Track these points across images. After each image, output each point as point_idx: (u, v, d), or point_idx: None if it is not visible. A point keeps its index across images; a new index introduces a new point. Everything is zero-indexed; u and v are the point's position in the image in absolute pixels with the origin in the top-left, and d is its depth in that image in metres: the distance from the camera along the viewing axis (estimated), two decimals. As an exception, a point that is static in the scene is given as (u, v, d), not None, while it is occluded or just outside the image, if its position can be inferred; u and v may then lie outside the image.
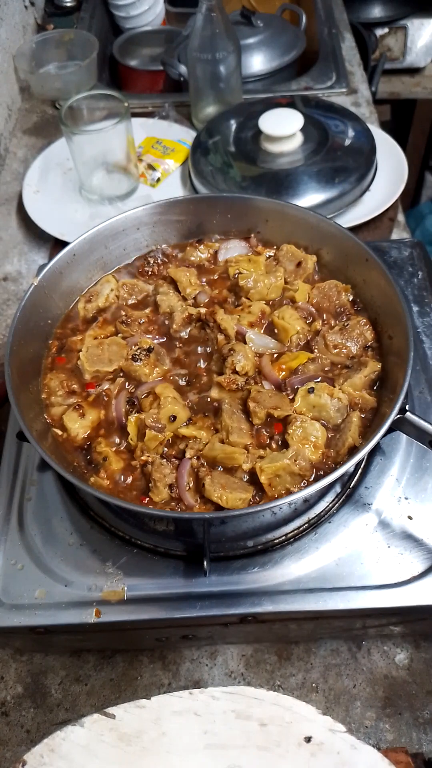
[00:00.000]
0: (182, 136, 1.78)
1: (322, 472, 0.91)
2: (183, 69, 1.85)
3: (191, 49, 1.65)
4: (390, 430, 0.87)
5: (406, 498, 0.99)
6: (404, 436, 1.01)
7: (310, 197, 1.46)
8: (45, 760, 0.71)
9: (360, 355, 1.04)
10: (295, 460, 0.90)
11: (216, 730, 0.72)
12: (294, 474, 0.90)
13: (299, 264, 1.15)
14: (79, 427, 0.98)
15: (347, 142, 1.56)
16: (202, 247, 1.22)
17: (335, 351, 1.04)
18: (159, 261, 1.22)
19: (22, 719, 0.98)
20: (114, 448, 0.97)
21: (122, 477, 0.94)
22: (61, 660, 1.03)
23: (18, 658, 1.03)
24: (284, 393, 1.00)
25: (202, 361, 1.07)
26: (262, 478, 0.89)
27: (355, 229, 1.50)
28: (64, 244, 1.18)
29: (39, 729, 0.97)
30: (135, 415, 0.97)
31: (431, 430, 0.87)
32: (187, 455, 0.93)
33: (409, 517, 0.97)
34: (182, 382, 1.04)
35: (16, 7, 2.06)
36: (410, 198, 3.18)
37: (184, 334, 1.10)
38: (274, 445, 0.95)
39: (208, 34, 1.60)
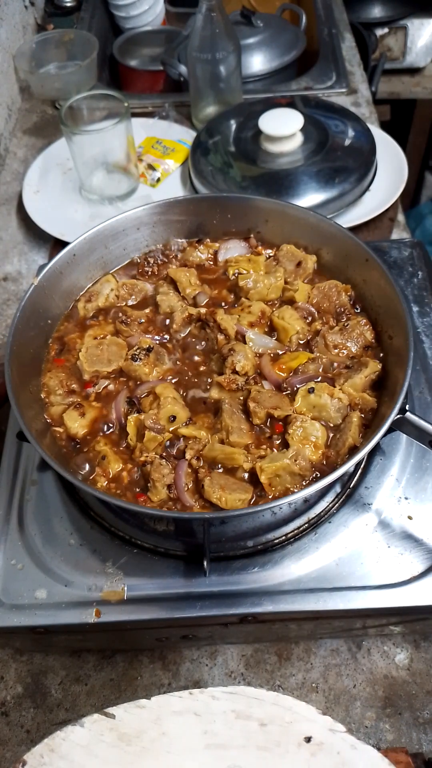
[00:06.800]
0: (182, 136, 1.78)
1: (322, 472, 0.91)
2: (183, 69, 1.85)
3: (191, 49, 1.65)
4: (390, 430, 0.87)
5: (406, 498, 0.99)
6: (404, 436, 1.01)
7: (310, 197, 1.46)
8: (45, 760, 0.71)
9: (360, 355, 1.04)
10: (296, 460, 0.90)
11: (216, 730, 0.72)
12: (294, 474, 0.90)
13: (299, 264, 1.15)
14: (79, 426, 0.99)
15: (347, 142, 1.56)
16: (202, 247, 1.22)
17: (335, 351, 1.04)
18: (159, 261, 1.22)
19: (22, 719, 0.98)
20: (113, 447, 0.97)
21: (120, 476, 0.95)
22: (61, 660, 1.03)
23: (18, 658, 1.03)
24: (284, 393, 1.00)
25: (201, 361, 1.07)
26: (262, 478, 0.89)
27: (355, 229, 1.50)
28: (64, 244, 1.18)
29: (39, 729, 0.97)
30: (134, 415, 0.97)
31: (431, 430, 0.87)
32: (187, 455, 0.93)
33: (409, 517, 0.97)
34: (182, 382, 1.04)
35: (16, 7, 2.06)
36: (410, 198, 3.18)
37: (184, 334, 1.10)
38: (274, 445, 0.95)
39: (208, 34, 1.60)
